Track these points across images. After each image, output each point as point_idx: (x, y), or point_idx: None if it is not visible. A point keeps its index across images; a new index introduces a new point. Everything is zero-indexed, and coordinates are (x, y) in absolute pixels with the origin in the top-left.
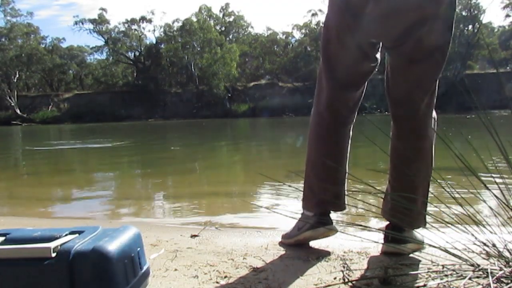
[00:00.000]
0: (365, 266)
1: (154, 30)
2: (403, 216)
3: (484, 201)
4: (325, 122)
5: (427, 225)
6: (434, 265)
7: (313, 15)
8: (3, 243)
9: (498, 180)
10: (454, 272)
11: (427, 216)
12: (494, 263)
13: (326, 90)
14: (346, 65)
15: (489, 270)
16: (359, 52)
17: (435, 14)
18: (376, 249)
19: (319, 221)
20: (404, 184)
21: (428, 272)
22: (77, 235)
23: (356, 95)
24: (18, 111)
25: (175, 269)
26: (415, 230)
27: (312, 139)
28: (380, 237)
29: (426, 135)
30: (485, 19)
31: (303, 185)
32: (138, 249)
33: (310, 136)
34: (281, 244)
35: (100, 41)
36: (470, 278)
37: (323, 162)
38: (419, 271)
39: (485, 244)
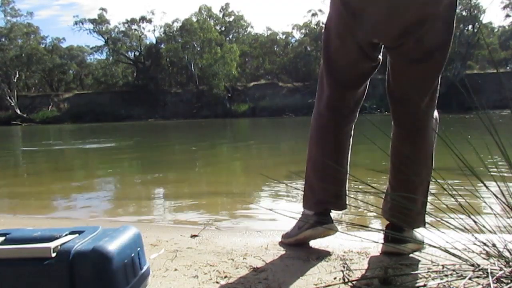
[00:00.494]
0: (365, 266)
1: (154, 30)
2: (403, 216)
3: (484, 201)
4: (325, 122)
5: (427, 225)
6: (434, 265)
7: (313, 15)
8: (3, 243)
9: (498, 180)
10: (454, 272)
11: (427, 216)
12: (494, 263)
13: (326, 90)
14: (346, 65)
15: (489, 270)
16: (359, 52)
17: (436, 14)
18: (376, 249)
19: (319, 220)
20: (404, 184)
21: (428, 272)
22: (77, 235)
23: (356, 95)
24: (18, 111)
25: (175, 269)
26: (415, 230)
27: (313, 138)
28: (380, 237)
29: (426, 135)
30: (485, 19)
31: (303, 184)
32: (138, 249)
33: (311, 135)
34: (281, 244)
35: (100, 41)
36: (470, 278)
37: (323, 162)
38: (419, 271)
39: (485, 244)
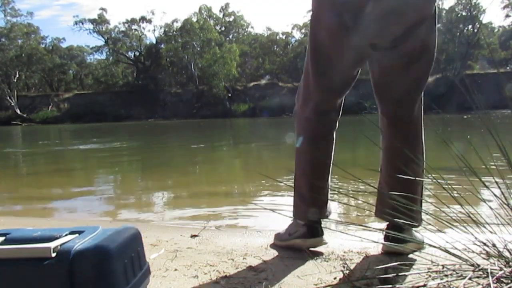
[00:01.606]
0: (365, 266)
1: (154, 30)
2: (403, 216)
3: (484, 201)
4: (315, 127)
5: (427, 225)
6: (434, 265)
7: None
8: (3, 243)
9: (498, 180)
10: (454, 272)
11: (427, 216)
12: (494, 263)
13: (315, 94)
14: (340, 69)
15: (489, 270)
16: (355, 55)
17: (431, 13)
18: (376, 249)
19: (310, 231)
20: (404, 184)
21: (428, 272)
22: (77, 235)
23: (343, 97)
24: (18, 111)
25: (175, 269)
26: (414, 230)
27: (303, 146)
28: (380, 237)
29: (421, 132)
30: (485, 19)
31: (293, 193)
32: (138, 249)
33: (301, 143)
34: (272, 245)
35: (100, 41)
36: (470, 278)
37: (313, 170)
38: (419, 271)
39: (485, 244)
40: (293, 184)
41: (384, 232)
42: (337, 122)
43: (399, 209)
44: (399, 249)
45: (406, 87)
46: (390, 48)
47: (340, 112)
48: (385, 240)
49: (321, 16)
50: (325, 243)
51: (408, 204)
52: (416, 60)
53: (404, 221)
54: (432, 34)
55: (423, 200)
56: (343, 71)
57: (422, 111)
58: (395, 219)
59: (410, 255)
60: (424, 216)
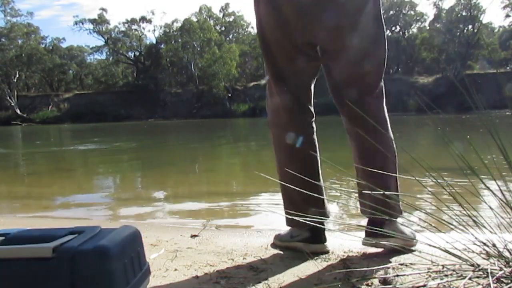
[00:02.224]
0: (365, 266)
1: (154, 30)
2: (380, 210)
3: (484, 201)
4: (292, 131)
5: (427, 225)
6: (434, 265)
7: None
8: (3, 243)
9: (498, 179)
10: (454, 272)
11: (427, 216)
12: (494, 263)
13: (283, 101)
14: (295, 73)
15: (489, 270)
16: (303, 55)
17: (367, 11)
18: (376, 249)
19: (313, 235)
20: (378, 178)
21: (428, 272)
22: (77, 235)
23: (311, 96)
24: (18, 111)
25: (175, 269)
26: (404, 226)
27: (285, 155)
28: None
29: (385, 124)
30: (485, 19)
31: (283, 204)
32: (138, 249)
33: (281, 152)
34: (273, 245)
35: (100, 41)
36: (470, 278)
37: (306, 169)
38: (419, 271)
39: (485, 244)
40: (281, 193)
41: (365, 229)
42: (313, 123)
43: (375, 204)
44: (379, 243)
45: (358, 85)
46: (337, 50)
47: (313, 113)
48: (366, 236)
49: (265, 21)
50: (328, 251)
51: (384, 197)
52: (366, 57)
53: (384, 216)
54: (379, 29)
55: (423, 200)
56: (298, 75)
57: (384, 104)
58: (372, 215)
59: (410, 255)
60: (424, 217)
